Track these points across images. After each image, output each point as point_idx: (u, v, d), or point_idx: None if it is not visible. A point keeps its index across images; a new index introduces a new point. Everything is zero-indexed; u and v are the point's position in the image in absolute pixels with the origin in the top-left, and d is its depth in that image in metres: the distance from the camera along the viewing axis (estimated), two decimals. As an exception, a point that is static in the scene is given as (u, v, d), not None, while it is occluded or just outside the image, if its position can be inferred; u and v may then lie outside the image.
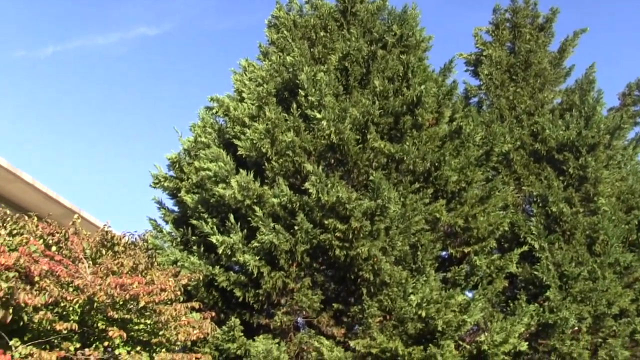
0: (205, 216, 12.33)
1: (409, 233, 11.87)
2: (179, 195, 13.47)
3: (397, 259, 11.83)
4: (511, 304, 12.95)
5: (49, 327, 7.96)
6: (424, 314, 10.86)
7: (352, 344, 10.90)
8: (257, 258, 11.39)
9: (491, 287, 12.62)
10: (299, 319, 12.09)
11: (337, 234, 11.30)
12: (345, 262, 11.47)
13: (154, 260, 10.62)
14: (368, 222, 11.27)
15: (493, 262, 12.78)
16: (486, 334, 11.48)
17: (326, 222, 11.34)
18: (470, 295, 12.50)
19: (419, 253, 11.92)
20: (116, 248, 10.09)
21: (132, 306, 8.79)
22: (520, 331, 11.59)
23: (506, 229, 13.76)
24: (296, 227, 11.31)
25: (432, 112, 13.23)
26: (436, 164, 12.72)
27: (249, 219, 11.62)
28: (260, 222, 11.37)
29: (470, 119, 14.48)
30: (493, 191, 13.40)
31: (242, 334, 11.07)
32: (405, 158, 12.44)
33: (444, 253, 13.45)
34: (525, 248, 13.75)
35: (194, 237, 12.60)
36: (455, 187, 12.86)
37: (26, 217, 9.68)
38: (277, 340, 11.18)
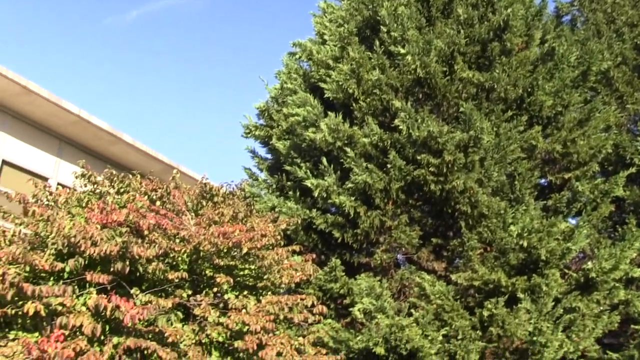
0: (298, 161, 12.51)
1: (505, 163, 11.58)
2: (270, 142, 13.71)
3: (494, 190, 11.61)
4: (619, 229, 12.43)
5: (162, 277, 8.42)
6: (525, 244, 10.67)
7: (453, 277, 10.91)
8: (353, 199, 11.49)
9: (596, 213, 12.17)
10: (398, 255, 12.20)
11: (431, 169, 11.19)
12: (441, 196, 11.38)
13: (252, 207, 10.96)
14: (462, 155, 11.08)
15: (597, 186, 12.26)
16: (593, 261, 11.15)
17: (419, 157, 11.24)
18: (573, 222, 12.13)
19: (516, 182, 11.63)
20: (215, 199, 10.45)
21: (235, 253, 9.14)
22: (631, 257, 11.16)
23: (609, 151, 13.10)
24: (389, 165, 11.29)
25: (521, 35, 12.63)
26: (529, 90, 12.23)
27: (341, 160, 11.69)
28: (352, 162, 11.42)
29: (563, 38, 13.70)
30: (592, 113, 12.75)
31: (343, 273, 11.30)
32: (495, 86, 12.04)
33: (542, 181, 13.03)
34: (633, 170, 13.07)
35: (289, 183, 12.85)
36: (551, 112, 12.35)
37: (130, 176, 10.18)
38: (378, 278, 11.34)
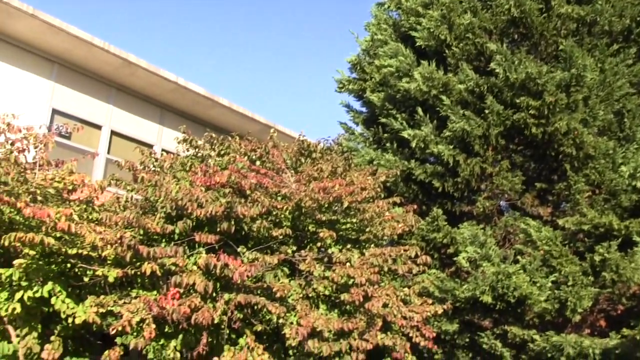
0: (394, 112, 12.38)
1: (612, 100, 10.94)
2: (364, 96, 13.62)
3: (600, 130, 11.04)
4: None
5: (266, 234, 8.66)
6: (638, 185, 10.13)
7: (560, 222, 10.54)
8: (451, 147, 11.28)
9: None
10: (501, 202, 11.91)
11: (531, 112, 10.76)
12: (543, 139, 10.95)
13: (350, 162, 10.98)
14: (563, 95, 10.56)
15: None
16: None
17: (518, 100, 10.83)
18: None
19: (625, 120, 10.99)
20: (314, 155, 10.55)
21: (336, 208, 9.24)
22: None
23: None
24: (487, 111, 10.96)
25: (626, -41, 11.76)
26: (637, 19, 11.41)
27: (437, 109, 11.47)
28: (449, 110, 11.18)
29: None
30: None
31: (445, 223, 11.19)
32: (598, 19, 11.32)
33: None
34: None
35: (385, 135, 12.76)
36: (664, 40, 11.51)
37: (229, 138, 10.44)
38: (481, 226, 11.16)
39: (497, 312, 10.51)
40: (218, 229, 8.16)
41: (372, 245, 9.59)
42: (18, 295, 7.52)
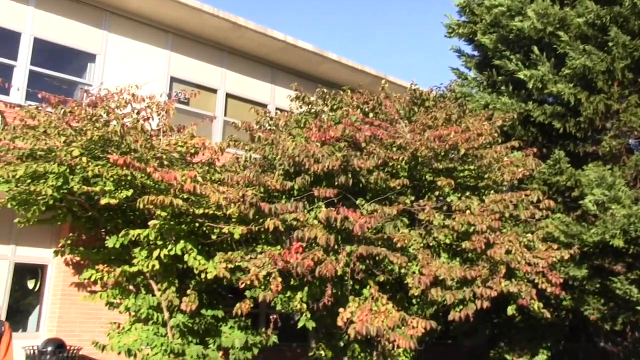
0: (507, 54, 11.89)
1: None
2: (475, 39, 13.15)
3: None
4: None
5: (384, 186, 8.67)
6: None
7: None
8: (571, 85, 10.70)
9: None
10: (630, 140, 11.23)
11: (664, 39, 9.98)
12: (677, 69, 10.16)
13: (464, 108, 10.72)
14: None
15: None
16: None
17: (647, 29, 10.07)
18: None
19: None
20: (426, 103, 10.38)
21: (453, 155, 9.08)
22: None
23: None
24: (610, 44, 10.27)
25: None
26: None
27: (555, 46, 10.88)
28: (567, 47, 10.58)
29: None
30: None
31: (568, 165, 10.72)
32: None
33: None
34: None
35: (499, 78, 12.30)
36: None
37: (341, 92, 10.46)
38: (608, 167, 10.58)
39: (631, 256, 10.02)
40: (336, 183, 8.26)
41: (492, 192, 9.37)
42: (155, 253, 8.06)
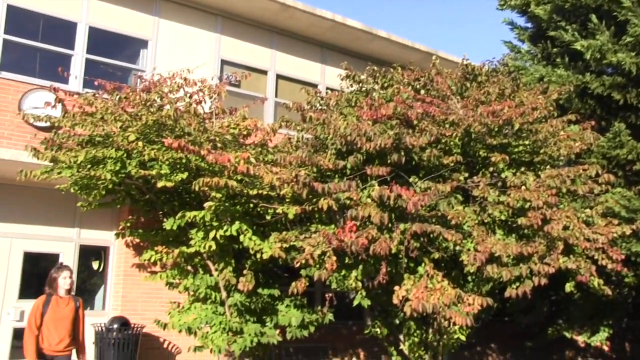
0: (563, 24, 11.54)
1: None
2: (529, 10, 12.79)
3: None
4: None
5: (437, 163, 8.60)
6: None
7: None
8: (633, 54, 10.32)
9: None
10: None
11: None
12: None
13: (518, 82, 10.49)
14: None
15: None
16: None
17: None
18: None
19: None
20: (479, 78, 10.19)
21: (507, 130, 8.92)
22: None
23: None
24: (675, 7, 9.85)
25: None
26: None
27: (615, 14, 10.49)
28: (629, 13, 10.18)
29: None
30: None
31: (630, 137, 10.39)
32: None
33: None
34: None
35: (554, 50, 11.97)
36: None
37: (391, 70, 10.37)
38: (676, 137, 10.22)
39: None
40: (388, 161, 8.23)
41: (548, 167, 9.18)
42: (212, 234, 8.22)
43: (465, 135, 8.74)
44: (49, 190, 9.52)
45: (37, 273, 9.89)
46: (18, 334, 9.36)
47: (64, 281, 6.59)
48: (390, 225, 7.93)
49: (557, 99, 10.11)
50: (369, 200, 7.99)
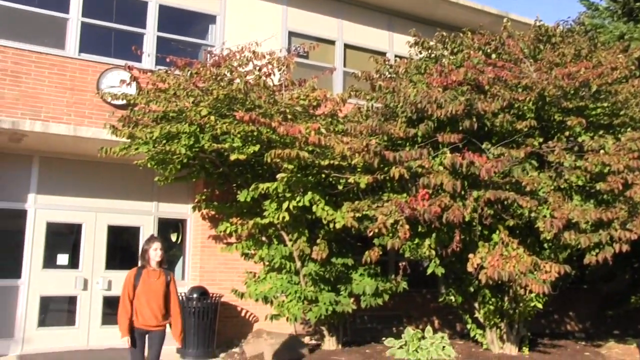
0: (644, -22, 10.98)
1: None
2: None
3: None
4: None
5: (510, 128, 8.42)
6: None
7: None
8: None
9: None
10: None
11: None
12: None
13: (595, 41, 10.09)
14: None
15: None
16: None
17: None
18: None
19: None
20: (553, 40, 9.86)
21: (583, 93, 8.62)
22: None
23: None
24: None
25: None
26: None
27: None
28: None
29: None
30: None
31: None
32: None
33: None
34: None
35: (637, 4, 11.38)
36: None
37: (460, 34, 10.14)
38: None
39: None
40: (460, 128, 8.12)
41: (629, 129, 8.82)
42: (285, 205, 8.35)
43: (539, 99, 8.50)
44: (128, 166, 9.87)
45: (120, 246, 10.33)
46: (107, 302, 9.87)
47: (155, 253, 6.21)
48: (463, 192, 7.85)
49: (639, 57, 9.66)
50: (440, 167, 7.93)
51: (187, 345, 9.05)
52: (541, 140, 8.61)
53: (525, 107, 8.67)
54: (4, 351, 9.12)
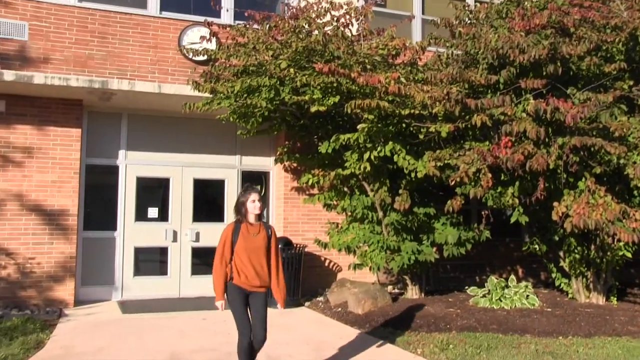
0: None
1: None
2: None
3: None
4: None
5: (597, 72, 8.12)
6: None
7: None
8: None
9: None
10: None
11: None
12: None
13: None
14: None
15: None
16: None
17: None
18: None
19: None
20: (646, -25, 9.31)
21: (679, 31, 8.16)
22: None
23: None
24: None
25: None
26: None
27: None
28: None
29: None
30: None
31: None
32: None
33: None
34: None
35: None
36: None
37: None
38: None
39: None
40: (543, 73, 7.89)
41: None
42: (366, 156, 8.41)
43: (629, 40, 8.13)
44: (211, 121, 10.14)
45: (205, 199, 10.71)
46: (195, 253, 10.35)
47: (253, 205, 5.39)
48: (547, 139, 7.68)
49: None
50: (523, 114, 7.76)
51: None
52: (631, 83, 8.26)
53: (614, 49, 8.31)
54: (107, 296, 9.82)
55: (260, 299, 5.37)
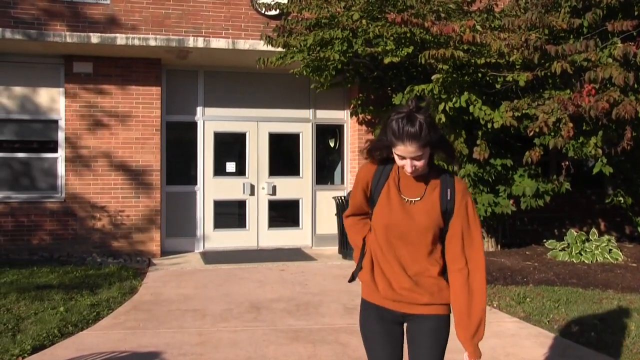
0: None
1: None
2: None
3: None
4: None
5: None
6: None
7: None
8: None
9: None
10: None
11: None
12: None
13: None
14: None
15: None
16: None
17: None
18: None
19: None
20: None
21: None
22: None
23: None
24: None
25: None
26: None
27: None
28: None
29: None
30: None
31: None
32: None
33: None
34: None
35: None
36: None
37: None
38: None
39: None
40: (634, 14, 7.43)
41: None
42: (441, 107, 8.25)
43: None
44: (285, 75, 10.18)
45: (280, 153, 10.84)
46: (272, 206, 10.58)
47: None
48: (635, 86, 7.28)
49: None
50: (609, 60, 7.36)
51: (348, 246, 9.48)
52: None
53: None
54: (190, 247, 10.29)
55: (426, 332, 2.64)
